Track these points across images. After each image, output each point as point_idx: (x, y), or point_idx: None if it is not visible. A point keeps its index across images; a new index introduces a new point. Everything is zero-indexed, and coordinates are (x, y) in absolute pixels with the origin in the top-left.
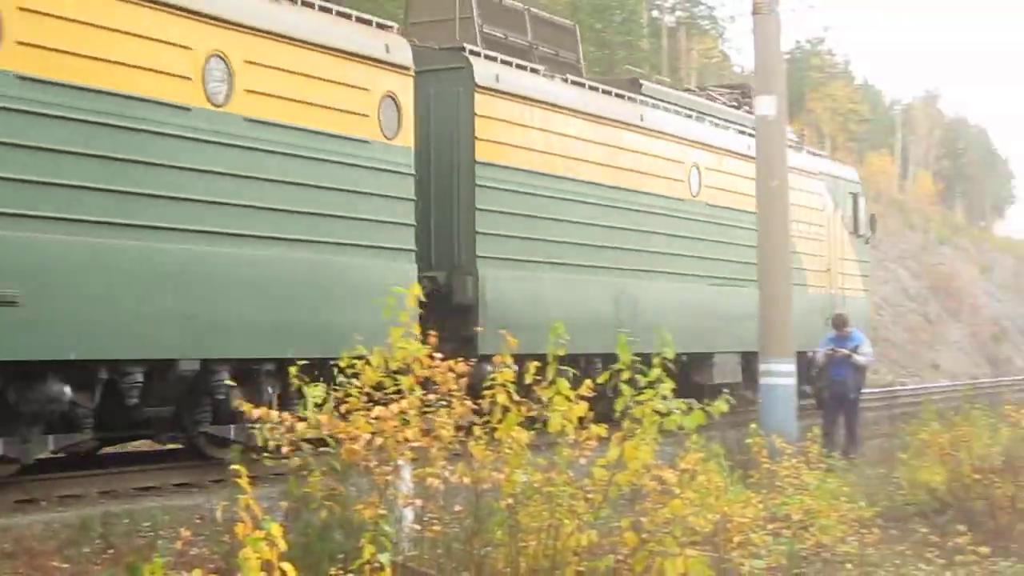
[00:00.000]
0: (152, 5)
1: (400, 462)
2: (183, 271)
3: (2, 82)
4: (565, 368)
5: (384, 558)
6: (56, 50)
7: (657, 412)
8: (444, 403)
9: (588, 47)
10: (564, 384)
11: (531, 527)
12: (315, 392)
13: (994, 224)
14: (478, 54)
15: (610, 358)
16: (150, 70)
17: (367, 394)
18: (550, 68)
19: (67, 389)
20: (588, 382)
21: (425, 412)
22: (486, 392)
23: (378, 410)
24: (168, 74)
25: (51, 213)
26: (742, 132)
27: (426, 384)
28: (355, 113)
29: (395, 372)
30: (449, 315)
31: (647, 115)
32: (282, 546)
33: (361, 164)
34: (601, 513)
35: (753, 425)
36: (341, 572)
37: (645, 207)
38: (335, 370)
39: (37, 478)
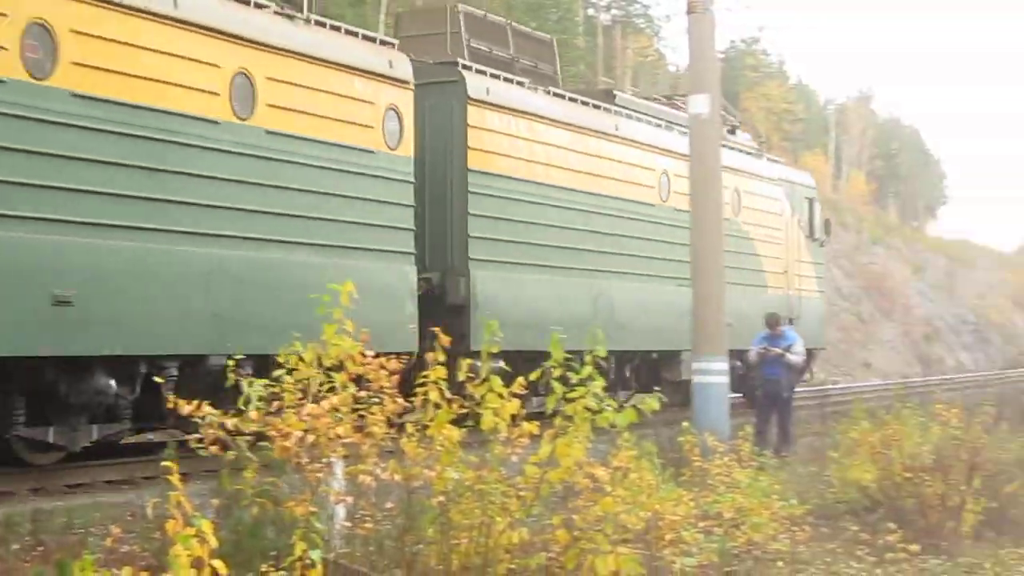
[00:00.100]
0: (185, 26)
1: (332, 459)
2: (211, 274)
3: (58, 99)
4: (502, 367)
5: (316, 555)
6: (103, 69)
7: (589, 410)
8: (376, 400)
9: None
10: (497, 381)
11: (463, 524)
12: (256, 388)
13: (927, 224)
14: (470, 68)
15: (573, 353)
16: (183, 87)
17: (302, 391)
18: (530, 79)
19: (112, 382)
20: (521, 379)
21: (358, 409)
22: (418, 389)
23: (310, 407)
24: (199, 90)
25: (99, 220)
26: None
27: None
28: (362, 125)
29: (329, 369)
30: (443, 314)
31: (621, 125)
32: (213, 543)
33: (367, 173)
34: (533, 511)
35: (685, 423)
36: (272, 569)
37: (619, 212)
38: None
39: None
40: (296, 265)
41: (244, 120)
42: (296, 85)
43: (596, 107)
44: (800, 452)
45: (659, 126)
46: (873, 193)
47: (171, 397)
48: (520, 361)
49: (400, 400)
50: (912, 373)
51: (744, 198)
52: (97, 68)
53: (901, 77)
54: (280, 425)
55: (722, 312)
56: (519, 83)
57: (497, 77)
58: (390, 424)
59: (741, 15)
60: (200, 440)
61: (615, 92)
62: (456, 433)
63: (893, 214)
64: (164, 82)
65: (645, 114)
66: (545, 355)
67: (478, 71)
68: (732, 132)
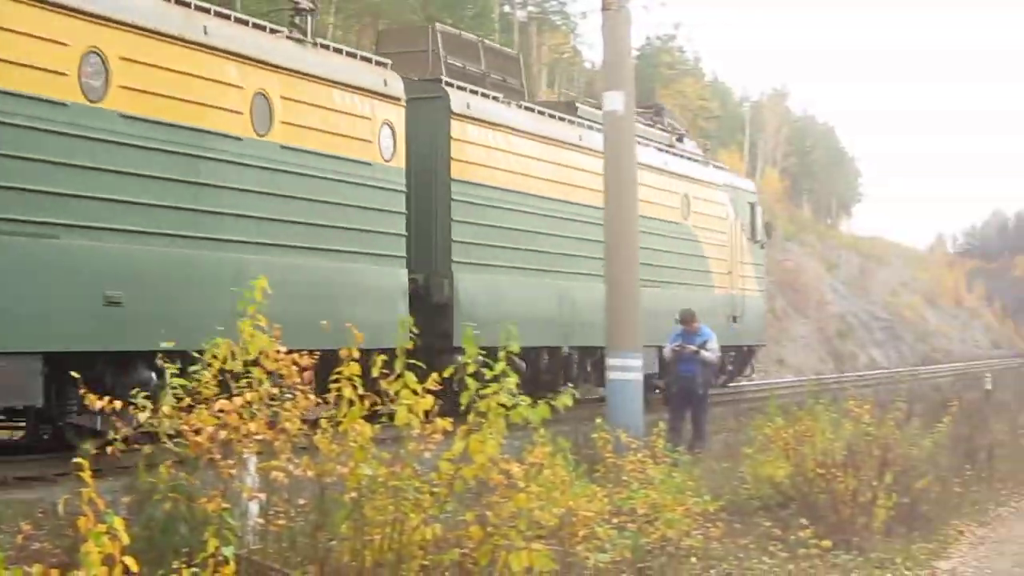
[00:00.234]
0: (214, 52)
1: (245, 455)
2: (236, 276)
3: (109, 120)
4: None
5: (228, 551)
6: (146, 92)
7: (503, 406)
8: (290, 396)
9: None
10: (411, 377)
11: (376, 520)
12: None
13: (840, 222)
14: (452, 85)
15: (554, 350)
16: (212, 106)
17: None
18: (500, 93)
19: (154, 375)
20: (434, 376)
21: (272, 406)
22: (332, 385)
23: (222, 402)
24: (226, 110)
25: (143, 229)
26: (659, 149)
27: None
28: (361, 139)
29: (250, 365)
30: (428, 312)
31: (584, 135)
32: (125, 540)
33: (366, 183)
34: (447, 507)
35: (599, 419)
36: (185, 566)
37: (582, 218)
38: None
39: None
40: (306, 269)
41: (263, 136)
42: (306, 103)
43: (562, 119)
44: (714, 448)
45: None
46: (787, 190)
47: (83, 392)
48: (496, 356)
49: (312, 396)
50: (825, 369)
51: (693, 203)
52: (141, 91)
53: (815, 74)
54: (193, 420)
55: (637, 308)
56: (494, 98)
57: (476, 93)
58: (304, 420)
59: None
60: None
61: (577, 104)
62: (369, 429)
63: (807, 211)
64: (196, 103)
65: (599, 123)
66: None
67: (459, 87)
68: (680, 140)
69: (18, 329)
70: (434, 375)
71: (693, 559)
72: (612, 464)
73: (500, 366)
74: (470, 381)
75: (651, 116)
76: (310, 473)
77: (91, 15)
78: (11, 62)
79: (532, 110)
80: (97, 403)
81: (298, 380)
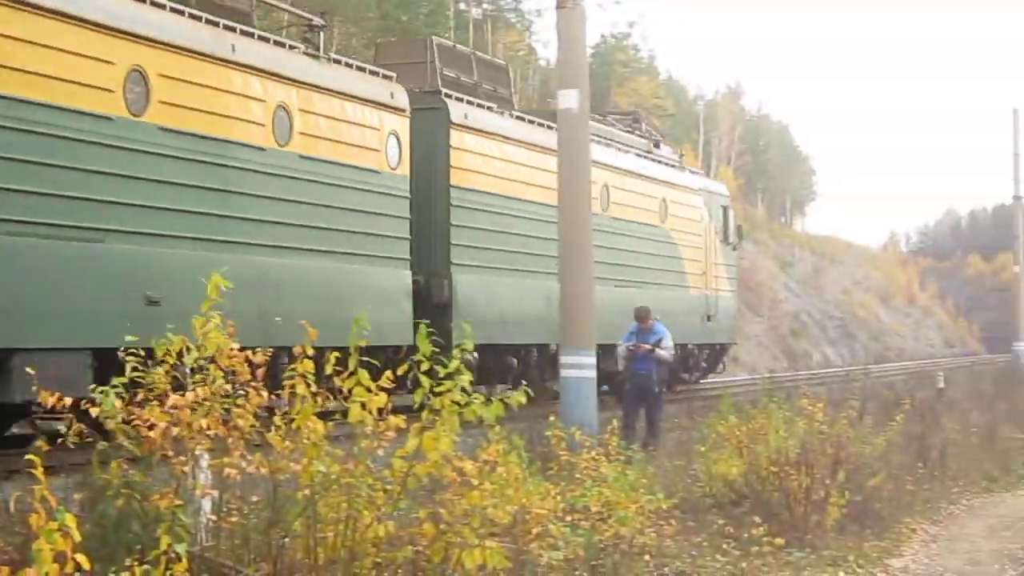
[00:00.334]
0: (240, 68)
1: (197, 452)
2: (258, 278)
3: (150, 133)
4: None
5: (181, 549)
6: (182, 106)
7: (456, 403)
8: (242, 393)
9: (394, 40)
10: (364, 375)
11: (330, 518)
12: (119, 379)
13: (795, 220)
14: (451, 96)
15: (544, 348)
16: (239, 119)
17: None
18: (492, 102)
19: (188, 369)
20: (388, 373)
21: (225, 403)
22: (286, 382)
23: (173, 398)
24: (251, 122)
25: (180, 233)
26: (639, 155)
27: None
28: (370, 148)
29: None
30: (429, 312)
31: None
32: (77, 537)
33: (374, 190)
34: (400, 504)
35: (552, 417)
36: (137, 563)
37: None
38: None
39: None
40: (320, 271)
41: (283, 147)
42: (321, 115)
43: (549, 127)
44: (667, 446)
45: (599, 143)
46: (741, 189)
47: (34, 388)
48: (491, 353)
49: (264, 394)
50: (779, 368)
51: (670, 207)
52: (177, 105)
53: (769, 73)
54: (146, 416)
55: (591, 306)
56: (488, 107)
57: (472, 103)
58: (257, 417)
59: (612, 10)
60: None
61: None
62: (322, 426)
63: (761, 210)
64: (224, 116)
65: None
66: (511, 348)
67: (457, 98)
68: (657, 146)
69: (71, 326)
70: (388, 373)
71: (646, 557)
72: (566, 462)
73: (454, 364)
74: (424, 379)
75: (629, 123)
76: (263, 470)
77: (135, 35)
78: (66, 80)
79: (523, 119)
80: (49, 400)
81: (248, 376)
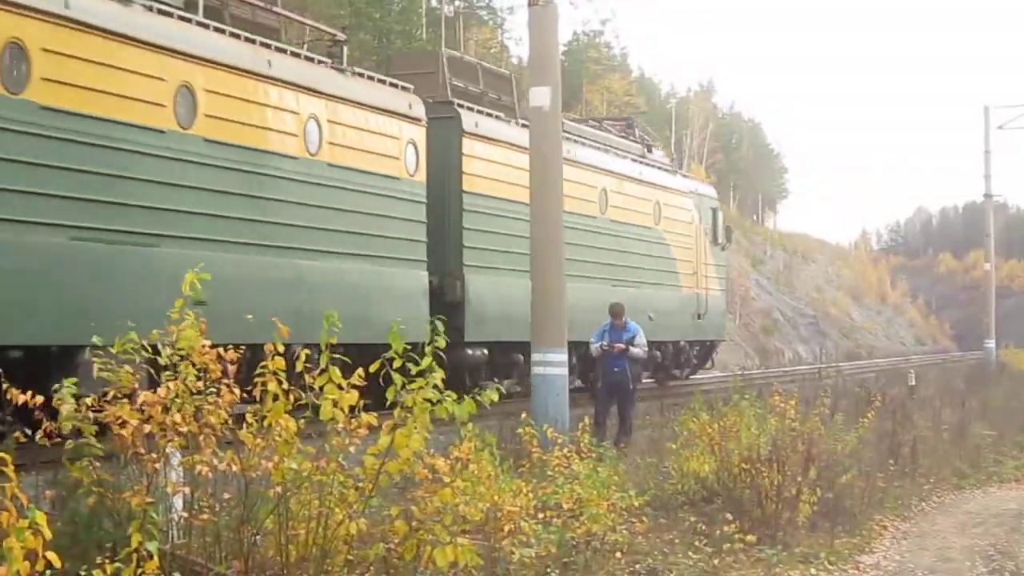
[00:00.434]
0: (276, 82)
1: (168, 449)
2: (293, 279)
3: (196, 144)
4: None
5: (152, 546)
6: (224, 119)
7: (428, 401)
8: (214, 390)
9: (365, 36)
10: (336, 372)
11: (301, 515)
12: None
13: (766, 218)
14: (463, 106)
15: None
16: (275, 130)
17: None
18: (497, 111)
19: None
20: (360, 371)
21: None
22: (257, 379)
23: (145, 395)
24: (285, 132)
25: (224, 238)
26: (634, 160)
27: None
28: (390, 156)
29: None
30: (442, 310)
31: (571, 149)
32: (48, 535)
33: (394, 196)
34: (372, 502)
35: (524, 414)
36: (108, 561)
37: (569, 224)
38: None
39: None
40: (347, 272)
41: (314, 156)
42: (347, 126)
43: None
44: (639, 443)
45: (598, 148)
46: (713, 186)
47: (6, 387)
48: (499, 350)
49: (236, 391)
50: (751, 365)
51: (664, 210)
52: (221, 118)
53: (741, 70)
54: (118, 413)
55: (563, 304)
56: (496, 116)
57: (481, 112)
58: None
59: (584, 8)
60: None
61: (563, 119)
62: (294, 423)
63: (733, 208)
64: (261, 127)
65: (586, 138)
66: (518, 345)
67: (467, 108)
68: (649, 151)
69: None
70: (359, 371)
71: (618, 554)
72: (538, 459)
73: (426, 361)
74: (396, 376)
75: (623, 128)
76: (235, 467)
77: (184, 54)
78: (124, 96)
79: (527, 127)
80: (20, 397)
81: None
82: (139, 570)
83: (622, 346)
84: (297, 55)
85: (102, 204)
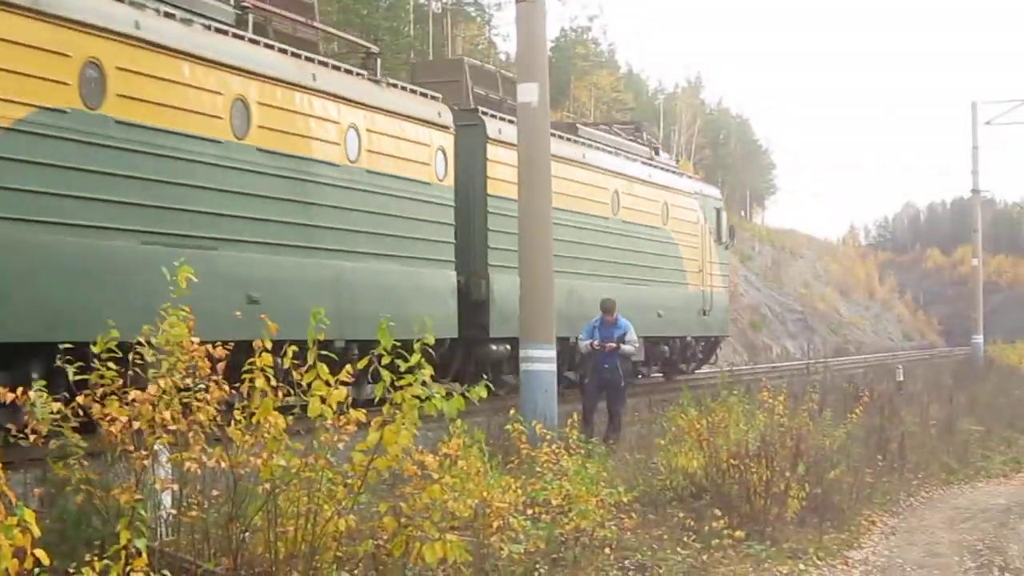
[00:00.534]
0: (320, 94)
1: (157, 446)
2: (334, 279)
3: (250, 153)
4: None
5: (141, 543)
6: (274, 129)
7: (417, 397)
8: (202, 387)
9: (354, 34)
10: (324, 369)
11: (290, 512)
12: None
13: (754, 214)
14: (486, 113)
15: (563, 340)
16: (318, 139)
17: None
18: (515, 116)
19: (279, 359)
20: (348, 368)
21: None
22: (245, 376)
23: (134, 393)
24: (328, 141)
25: (274, 241)
26: (643, 163)
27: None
28: (422, 163)
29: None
30: (469, 308)
31: (587, 154)
32: (36, 532)
33: (425, 200)
34: (360, 498)
35: (513, 411)
36: (97, 558)
37: (585, 225)
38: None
39: None
40: (384, 273)
41: (353, 163)
42: (383, 134)
43: (569, 140)
44: (628, 439)
45: (609, 152)
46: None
47: None
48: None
49: (226, 387)
50: (739, 361)
51: (671, 210)
52: (271, 129)
53: (729, 66)
54: (108, 410)
55: (551, 300)
56: (510, 121)
57: (504, 119)
58: (219, 411)
59: (572, 4)
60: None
61: (577, 125)
62: (282, 420)
63: None
64: (307, 136)
65: (598, 142)
66: None
67: (491, 115)
68: (656, 153)
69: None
70: (347, 367)
71: (607, 550)
72: (526, 455)
73: (415, 358)
74: (385, 372)
75: (632, 131)
76: (223, 464)
77: (239, 69)
78: (187, 109)
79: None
80: (8, 395)
81: (208, 370)
82: (127, 567)
83: (614, 345)
84: (337, 68)
85: (168, 211)
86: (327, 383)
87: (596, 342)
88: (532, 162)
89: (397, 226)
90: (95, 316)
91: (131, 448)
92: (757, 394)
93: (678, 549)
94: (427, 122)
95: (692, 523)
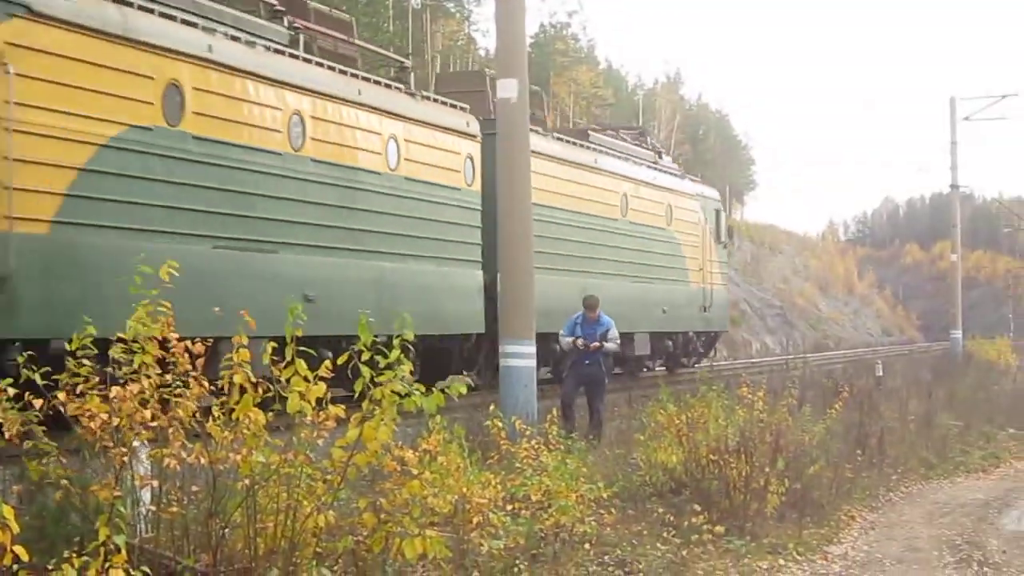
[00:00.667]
0: (365, 107)
1: (136, 443)
2: (376, 279)
3: (305, 164)
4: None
5: (120, 540)
6: (326, 141)
7: (396, 393)
8: (181, 383)
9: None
10: (302, 364)
11: (270, 508)
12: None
13: (734, 209)
14: None
15: None
16: (363, 149)
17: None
18: (533, 125)
19: (329, 352)
20: (327, 363)
21: (165, 393)
22: (224, 372)
23: (115, 390)
24: (371, 151)
25: (327, 244)
26: (649, 167)
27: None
28: (453, 169)
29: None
30: (494, 305)
31: (599, 159)
32: (15, 529)
33: (455, 204)
34: (340, 494)
35: (493, 406)
36: (76, 555)
37: (595, 227)
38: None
39: None
40: (418, 272)
41: (393, 171)
42: (418, 143)
43: (581, 146)
44: (608, 435)
45: (619, 157)
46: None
47: None
48: (541, 340)
49: (205, 384)
50: (718, 356)
51: (675, 212)
52: (323, 141)
53: (708, 62)
54: (87, 407)
55: (531, 296)
56: (534, 130)
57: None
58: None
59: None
60: None
61: (589, 131)
62: (262, 416)
63: None
64: (353, 147)
65: (608, 148)
66: (553, 336)
67: None
68: (660, 156)
69: (257, 319)
70: (326, 362)
71: (587, 545)
72: (506, 451)
73: (395, 354)
74: (364, 368)
75: (636, 136)
76: (203, 460)
77: (295, 86)
78: (251, 124)
79: (560, 139)
80: None
81: (188, 367)
82: (107, 564)
83: (598, 345)
84: (379, 83)
85: (236, 217)
86: (305, 379)
87: (580, 340)
88: (511, 158)
89: (431, 229)
90: (177, 316)
91: (110, 444)
92: (736, 390)
93: (658, 544)
94: (457, 131)
95: (672, 518)
